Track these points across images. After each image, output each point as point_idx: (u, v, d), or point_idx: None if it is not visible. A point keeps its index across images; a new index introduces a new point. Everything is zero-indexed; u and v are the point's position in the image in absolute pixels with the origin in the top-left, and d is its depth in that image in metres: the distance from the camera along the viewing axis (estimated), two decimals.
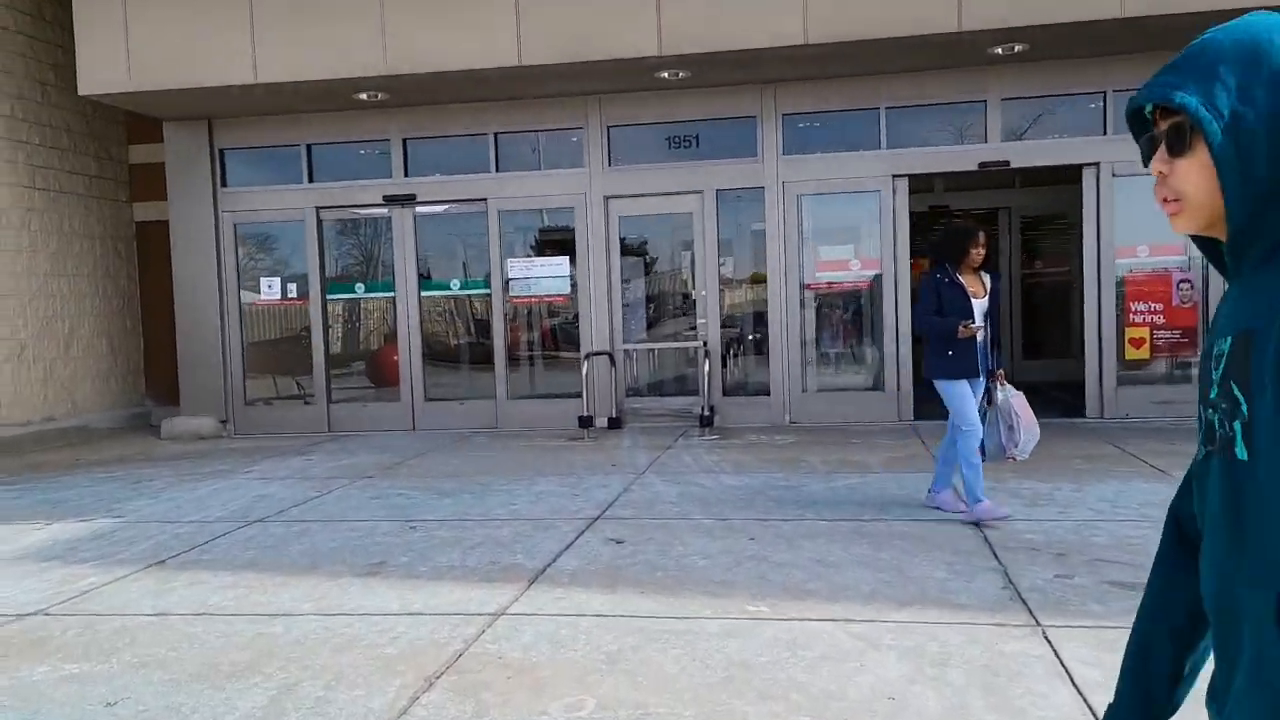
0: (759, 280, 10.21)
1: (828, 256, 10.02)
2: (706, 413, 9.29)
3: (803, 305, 10.00)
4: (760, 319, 10.34)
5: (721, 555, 5.10)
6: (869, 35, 8.43)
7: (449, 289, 10.80)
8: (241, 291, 10.88)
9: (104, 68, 9.50)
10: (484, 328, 10.82)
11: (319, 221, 10.70)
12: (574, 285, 10.38)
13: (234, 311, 10.82)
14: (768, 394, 10.04)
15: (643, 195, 10.20)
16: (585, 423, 9.56)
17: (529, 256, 10.53)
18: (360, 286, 10.87)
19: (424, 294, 10.73)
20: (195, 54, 9.38)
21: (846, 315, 10.21)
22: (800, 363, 10.00)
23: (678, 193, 10.13)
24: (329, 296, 10.82)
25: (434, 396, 10.73)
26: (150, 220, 12.00)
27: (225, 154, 10.86)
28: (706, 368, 9.46)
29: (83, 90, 9.53)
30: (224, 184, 10.84)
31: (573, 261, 10.37)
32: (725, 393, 10.16)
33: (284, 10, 9.29)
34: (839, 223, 10.08)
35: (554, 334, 10.79)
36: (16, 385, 10.26)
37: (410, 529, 5.96)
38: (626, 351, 10.46)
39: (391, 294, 10.71)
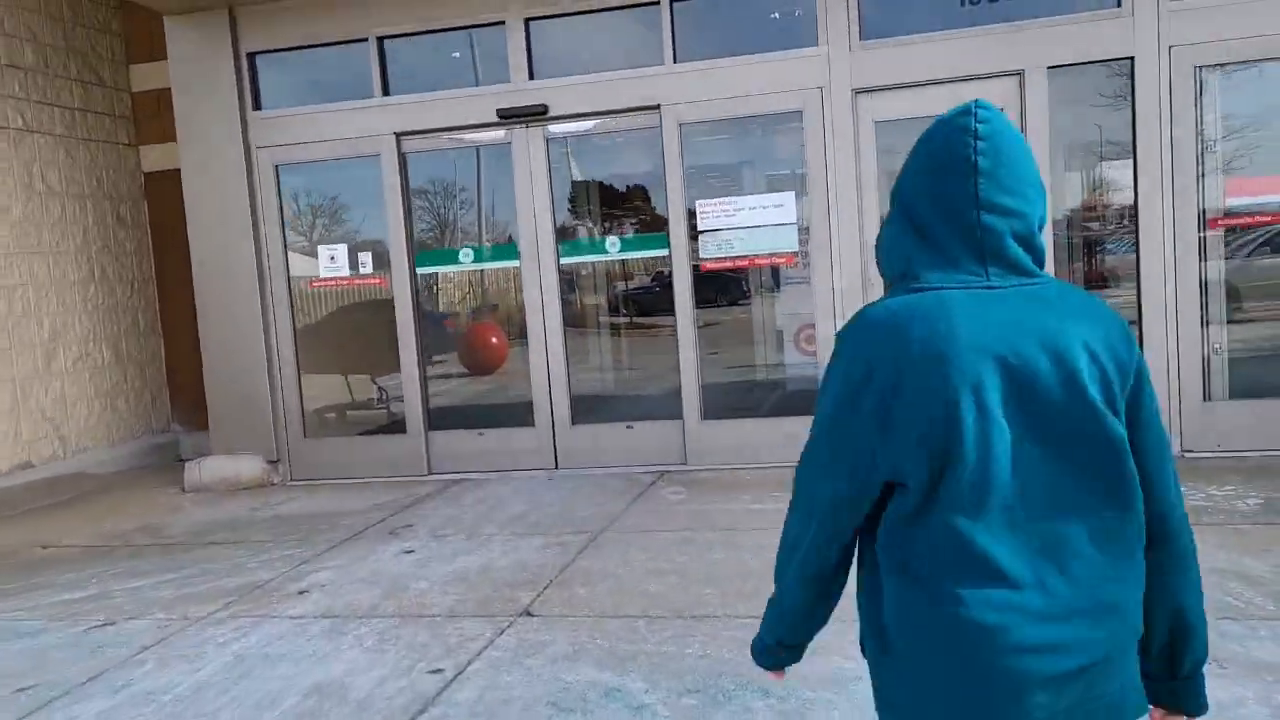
0: (1125, 215, 6.21)
1: (1251, 173, 5.96)
2: None
3: (1203, 256, 5.97)
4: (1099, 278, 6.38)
5: None
6: None
7: (604, 251, 7.02)
8: (291, 267, 7.27)
9: None
10: (658, 309, 7.07)
11: (401, 156, 7.00)
12: (805, 237, 6.52)
13: (282, 298, 7.23)
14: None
15: (918, 84, 6.24)
16: None
17: (729, 196, 6.68)
18: (467, 254, 7.17)
19: (565, 261, 6.98)
20: None
21: None
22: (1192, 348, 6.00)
23: (978, 77, 6.15)
24: (420, 270, 7.15)
25: (584, 418, 7.02)
26: (166, 170, 8.47)
27: (257, 61, 7.21)
28: None
29: None
30: (256, 106, 7.20)
31: (799, 199, 6.51)
32: None
33: None
34: (1262, 107, 5.98)
35: (765, 314, 6.99)
36: None
37: None
38: None
39: (515, 262, 6.98)
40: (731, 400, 6.87)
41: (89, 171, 8.04)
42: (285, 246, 7.21)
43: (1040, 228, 1.38)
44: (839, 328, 1.08)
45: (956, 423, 1.27)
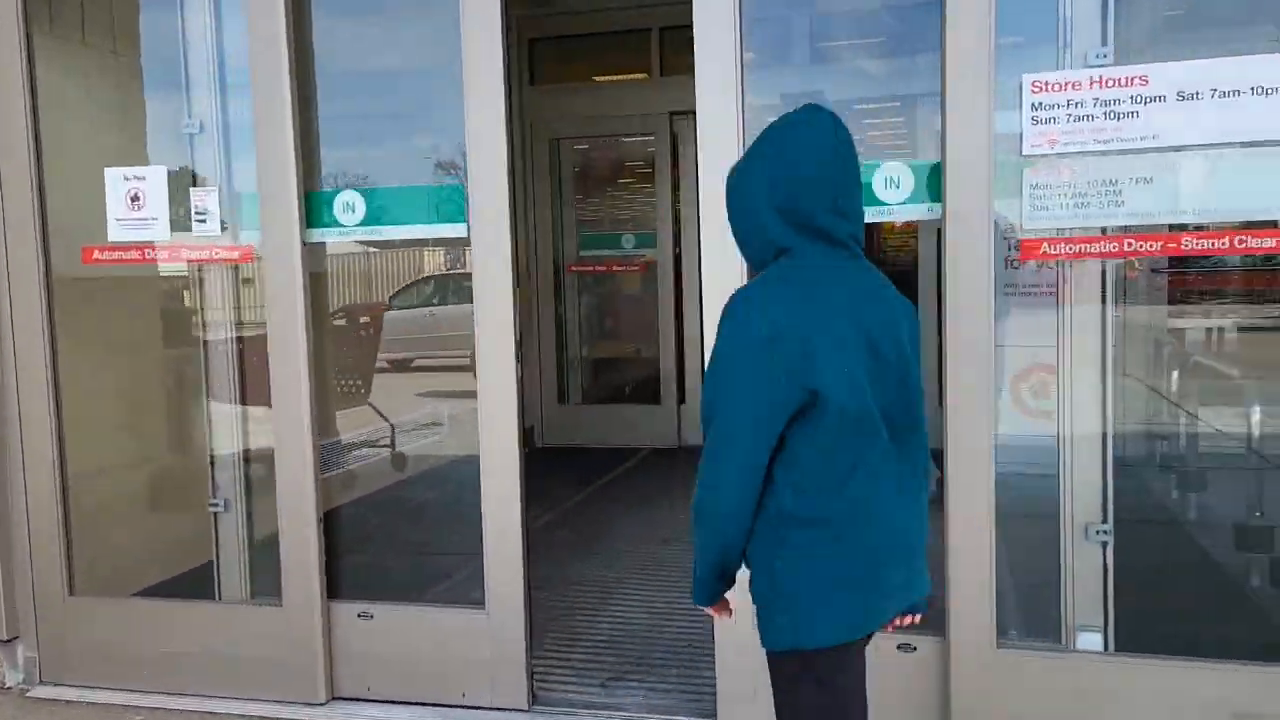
0: None
1: None
2: None
3: None
4: None
5: None
6: None
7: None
8: (52, 216, 3.29)
9: None
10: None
11: None
12: None
13: (27, 280, 3.26)
14: None
15: None
16: None
17: (1127, 66, 2.53)
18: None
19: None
20: None
21: None
22: None
23: None
24: (313, 231, 3.12)
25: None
26: None
27: None
28: None
29: None
30: None
31: None
32: None
33: None
34: None
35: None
36: None
37: None
38: None
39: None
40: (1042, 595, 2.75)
41: None
42: (39, 162, 3.22)
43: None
44: (733, 304, 1.58)
45: (852, 364, 1.60)
